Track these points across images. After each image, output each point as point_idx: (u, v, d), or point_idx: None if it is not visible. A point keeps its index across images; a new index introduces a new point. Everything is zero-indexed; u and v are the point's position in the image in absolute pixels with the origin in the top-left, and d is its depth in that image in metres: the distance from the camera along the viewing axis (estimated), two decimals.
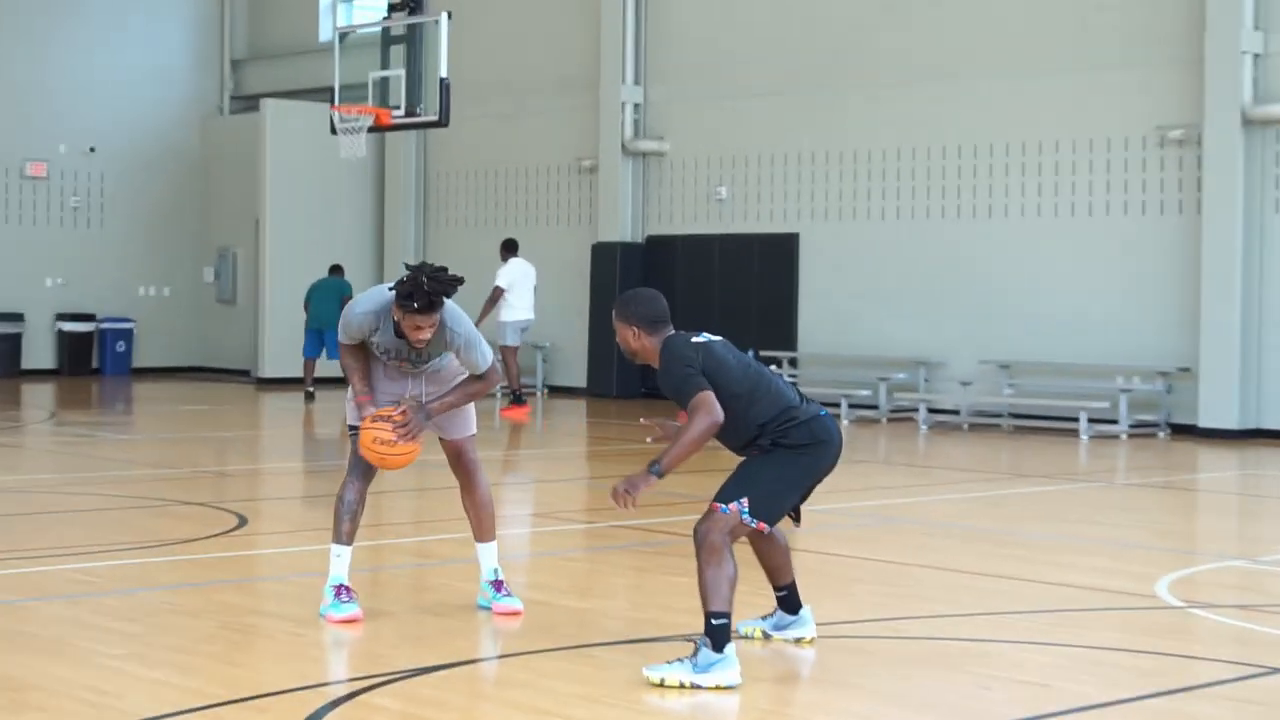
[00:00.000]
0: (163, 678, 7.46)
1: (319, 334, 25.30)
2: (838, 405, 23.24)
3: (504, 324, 23.14)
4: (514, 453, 18.74)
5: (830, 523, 13.15)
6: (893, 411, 23.44)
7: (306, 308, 25.77)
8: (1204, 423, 21.01)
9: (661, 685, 7.25)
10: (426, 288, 8.15)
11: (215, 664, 7.78)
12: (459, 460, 8.92)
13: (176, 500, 13.93)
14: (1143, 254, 21.89)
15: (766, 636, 8.23)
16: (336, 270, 26.51)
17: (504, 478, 16.03)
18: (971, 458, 18.87)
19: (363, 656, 8.14)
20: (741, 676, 7.30)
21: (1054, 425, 21.78)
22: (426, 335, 8.33)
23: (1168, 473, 17.79)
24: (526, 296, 23.28)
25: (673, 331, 7.75)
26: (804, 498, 7.84)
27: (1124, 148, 22.04)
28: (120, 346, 31.60)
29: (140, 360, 31.84)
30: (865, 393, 23.51)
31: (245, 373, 31.06)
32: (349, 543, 8.75)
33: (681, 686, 7.24)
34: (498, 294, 22.91)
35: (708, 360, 7.54)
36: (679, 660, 7.35)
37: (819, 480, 7.79)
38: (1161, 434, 21.31)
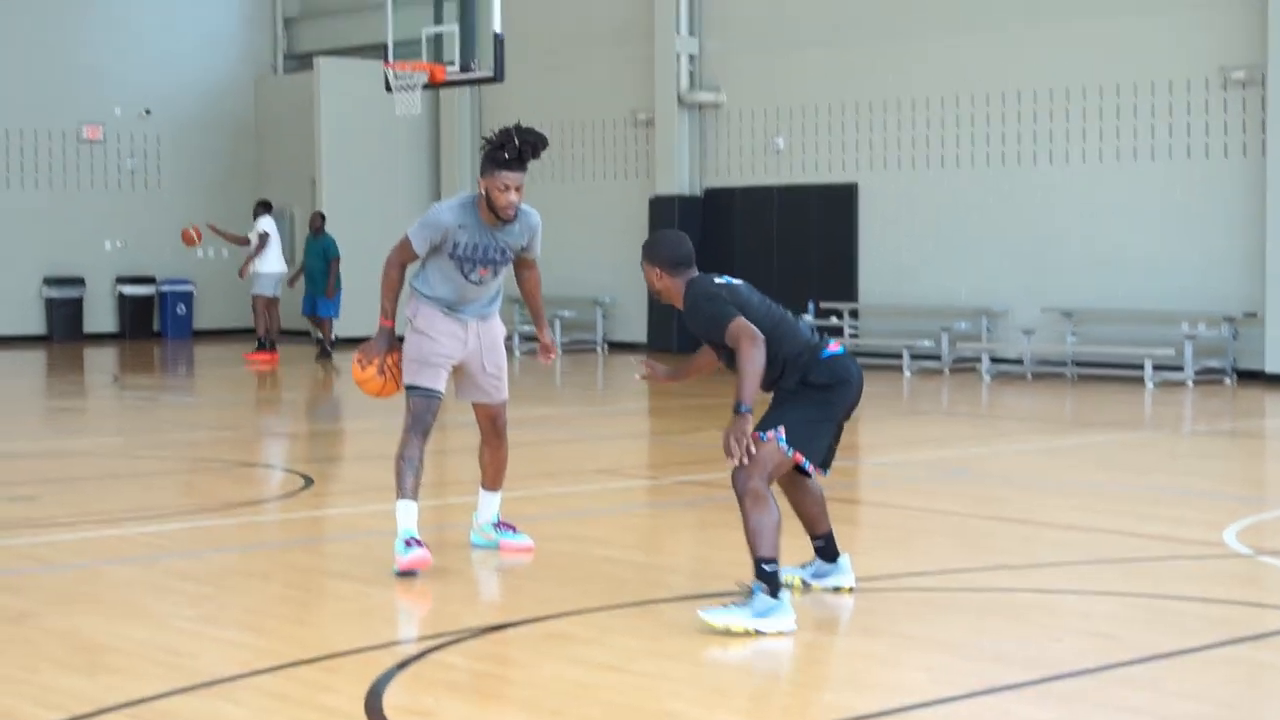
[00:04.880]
0: (235, 638, 7.59)
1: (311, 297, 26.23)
2: (899, 356, 23.27)
3: (264, 275, 25.30)
4: (575, 409, 18.83)
5: (893, 474, 13.21)
6: (955, 362, 23.42)
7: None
8: (1271, 368, 20.90)
9: (727, 632, 7.40)
10: (517, 139, 8.55)
11: (286, 624, 7.90)
12: (494, 422, 9.35)
13: (243, 462, 14.08)
14: (1206, 198, 21.76)
15: (806, 585, 8.35)
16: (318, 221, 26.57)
17: (564, 434, 16.11)
18: (1036, 407, 18.85)
19: (431, 615, 8.25)
20: (796, 623, 7.48)
21: (1118, 373, 21.70)
22: (515, 199, 8.72)
23: (1235, 419, 17.73)
24: (278, 250, 25.47)
25: (697, 273, 7.99)
26: (835, 440, 8.01)
27: (1186, 89, 21.90)
28: (180, 309, 31.84)
29: (201, 322, 32.08)
30: (927, 343, 23.49)
31: (305, 333, 31.21)
32: (414, 498, 8.90)
33: (746, 633, 7.40)
34: (264, 240, 25.05)
35: (734, 298, 7.80)
36: (734, 605, 7.54)
37: (846, 417, 7.98)
38: (1228, 380, 21.21)
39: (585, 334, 28.24)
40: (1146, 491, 12.28)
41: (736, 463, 7.57)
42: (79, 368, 25.73)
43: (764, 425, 7.72)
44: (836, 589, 8.28)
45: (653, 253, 8.02)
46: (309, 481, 12.67)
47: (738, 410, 7.47)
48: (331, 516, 11.53)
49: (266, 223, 25.11)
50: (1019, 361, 22.85)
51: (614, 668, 6.99)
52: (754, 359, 7.50)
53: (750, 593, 7.52)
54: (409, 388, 9.01)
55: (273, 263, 25.16)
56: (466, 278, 8.92)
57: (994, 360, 22.80)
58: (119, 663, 7.10)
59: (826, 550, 8.30)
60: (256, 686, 6.73)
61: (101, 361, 26.75)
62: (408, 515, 8.87)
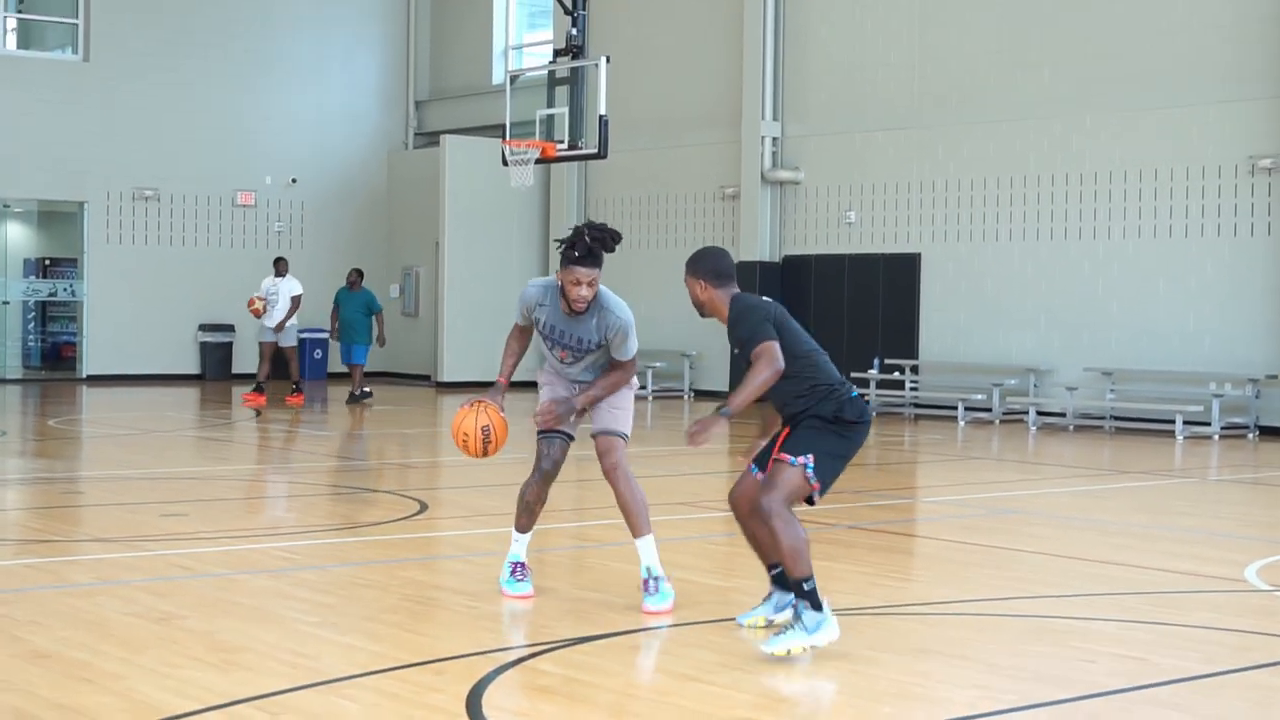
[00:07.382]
0: (353, 642, 7.54)
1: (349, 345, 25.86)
2: (955, 408, 23.10)
3: (291, 327, 24.81)
4: (663, 448, 18.74)
5: (946, 513, 13.06)
6: (1005, 414, 23.20)
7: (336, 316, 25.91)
8: None
9: (789, 655, 7.17)
10: (587, 237, 8.12)
11: (399, 631, 7.85)
12: (603, 460, 8.55)
13: (366, 488, 14.07)
14: (1234, 271, 21.51)
15: (770, 623, 7.84)
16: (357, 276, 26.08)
17: (651, 470, 16.03)
18: (1077, 456, 18.61)
19: (529, 627, 8.18)
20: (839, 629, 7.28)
21: (1152, 427, 21.46)
22: (585, 293, 8.19)
23: (1256, 470, 17.45)
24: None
25: (738, 289, 7.64)
26: None
27: (1217, 175, 21.66)
28: (317, 354, 32.01)
29: (334, 366, 32.19)
30: (980, 397, 23.29)
31: (426, 377, 31.34)
32: (524, 532, 8.78)
33: (804, 651, 7.16)
34: (298, 300, 24.61)
35: (777, 317, 7.43)
36: (789, 629, 7.21)
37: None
38: (1251, 435, 20.92)
39: (673, 383, 28.16)
40: (1175, 532, 12.06)
41: (688, 443, 7.36)
42: (228, 403, 25.89)
43: (795, 450, 7.37)
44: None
45: (697, 266, 7.66)
46: (424, 506, 12.65)
47: (719, 409, 7.21)
48: (442, 538, 11.50)
49: (295, 284, 24.88)
50: (1062, 415, 22.61)
51: (690, 678, 6.89)
52: (763, 380, 7.18)
53: (797, 614, 7.22)
54: (539, 432, 8.67)
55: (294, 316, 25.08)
56: (551, 354, 8.60)
57: (1040, 413, 22.58)
58: (250, 661, 7.07)
59: (783, 577, 7.70)
60: (370, 686, 6.68)
61: None
62: (517, 544, 8.77)
